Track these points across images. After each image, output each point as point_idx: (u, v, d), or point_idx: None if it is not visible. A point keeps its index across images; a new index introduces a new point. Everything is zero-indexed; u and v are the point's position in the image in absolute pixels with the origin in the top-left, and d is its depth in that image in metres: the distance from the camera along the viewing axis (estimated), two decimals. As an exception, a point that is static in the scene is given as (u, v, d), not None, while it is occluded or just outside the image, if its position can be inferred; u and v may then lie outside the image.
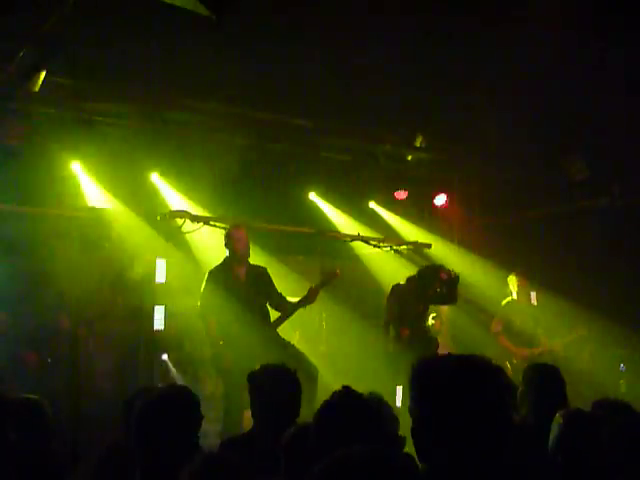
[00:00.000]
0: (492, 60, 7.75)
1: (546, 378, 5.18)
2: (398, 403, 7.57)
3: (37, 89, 6.54)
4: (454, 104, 8.77)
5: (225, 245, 7.58)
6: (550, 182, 9.85)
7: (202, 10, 4.31)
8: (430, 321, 9.75)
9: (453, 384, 2.31)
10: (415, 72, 8.04)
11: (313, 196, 10.21)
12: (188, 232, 8.65)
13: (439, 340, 8.82)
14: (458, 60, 7.86)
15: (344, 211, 10.27)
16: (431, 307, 8.90)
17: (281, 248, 9.63)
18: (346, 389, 3.58)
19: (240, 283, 7.48)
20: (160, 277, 8.97)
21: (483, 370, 2.36)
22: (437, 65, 8.00)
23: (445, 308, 9.98)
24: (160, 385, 3.62)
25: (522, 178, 9.91)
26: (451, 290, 8.24)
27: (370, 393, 4.12)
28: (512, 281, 9.27)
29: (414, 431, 2.36)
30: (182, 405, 3.48)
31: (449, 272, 8.23)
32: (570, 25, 7.19)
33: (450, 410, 2.28)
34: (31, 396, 4.29)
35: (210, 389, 8.42)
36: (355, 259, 10.37)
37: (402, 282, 8.38)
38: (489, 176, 10.07)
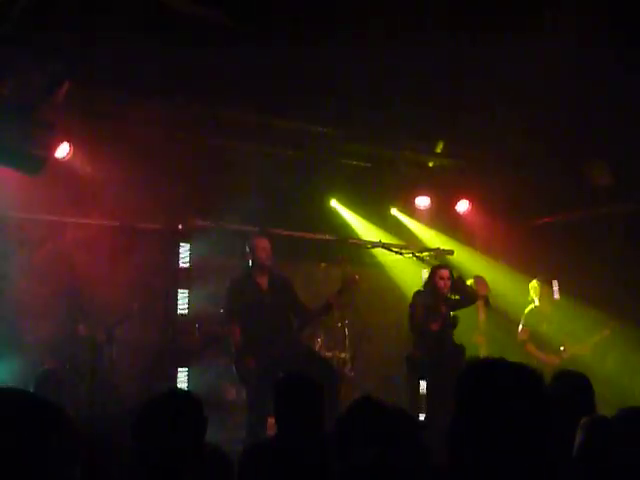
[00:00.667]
0: (513, 64, 7.64)
1: (574, 386, 5.03)
2: (422, 415, 7.69)
3: (61, 100, 6.61)
4: (475, 109, 8.69)
5: (247, 254, 7.62)
6: (573, 187, 9.74)
7: (223, 21, 4.36)
8: (475, 338, 9.77)
9: (497, 393, 2.32)
10: (435, 78, 8.05)
11: (334, 203, 10.22)
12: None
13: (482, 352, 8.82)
14: (478, 64, 7.84)
15: (365, 218, 10.29)
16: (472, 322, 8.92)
17: (302, 255, 9.70)
18: (366, 398, 3.59)
19: (263, 291, 7.53)
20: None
21: (526, 378, 2.39)
22: (457, 70, 8.01)
23: (481, 321, 9.94)
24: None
25: (544, 183, 9.82)
26: (460, 291, 8.32)
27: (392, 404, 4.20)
28: (534, 287, 9.22)
29: (454, 440, 2.36)
30: (180, 406, 3.45)
31: (445, 274, 8.31)
32: (591, 26, 7.13)
33: (491, 419, 2.29)
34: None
35: (233, 396, 8.44)
36: (377, 266, 10.37)
37: (422, 288, 8.46)
38: (511, 181, 9.96)
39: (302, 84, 7.89)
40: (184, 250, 9.16)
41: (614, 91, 7.93)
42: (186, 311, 9.06)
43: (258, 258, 7.53)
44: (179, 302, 9.02)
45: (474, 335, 9.82)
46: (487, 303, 8.65)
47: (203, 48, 6.54)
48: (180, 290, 9.06)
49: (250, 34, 5.66)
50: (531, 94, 8.28)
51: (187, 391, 3.61)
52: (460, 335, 8.44)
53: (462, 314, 8.53)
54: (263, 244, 7.61)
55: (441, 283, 8.28)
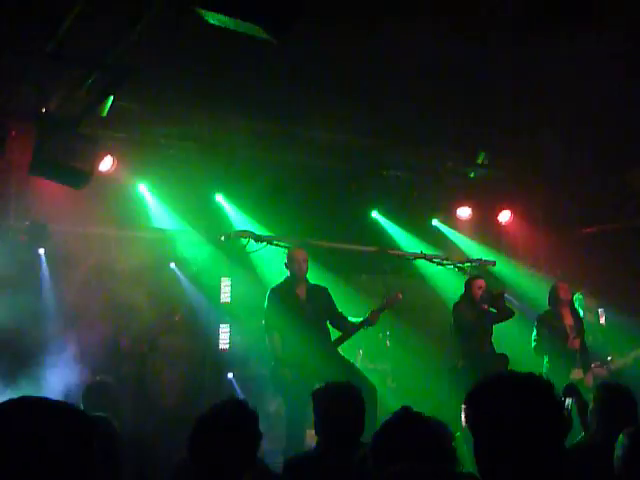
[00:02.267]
0: (552, 76, 7.63)
1: (617, 397, 5.12)
2: (464, 423, 7.58)
3: (105, 114, 6.71)
4: (516, 120, 8.71)
5: (286, 265, 7.67)
6: (616, 197, 9.69)
7: (263, 34, 4.39)
8: None
9: (505, 407, 2.37)
10: (475, 89, 8.05)
11: (376, 214, 10.20)
12: (252, 252, 8.75)
13: None
14: (517, 76, 7.82)
15: (407, 229, 10.25)
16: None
17: (344, 267, 9.67)
18: (405, 409, 3.57)
19: (301, 302, 7.56)
20: (225, 297, 9.13)
21: (533, 391, 2.41)
22: (496, 81, 7.96)
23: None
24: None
25: (586, 193, 9.79)
26: (496, 305, 8.32)
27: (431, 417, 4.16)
28: (579, 299, 9.11)
29: (475, 451, 2.41)
30: (237, 419, 3.44)
31: (482, 284, 8.31)
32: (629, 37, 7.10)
33: (502, 431, 2.34)
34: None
35: (274, 407, 8.46)
36: (419, 277, 10.31)
37: (460, 300, 8.51)
38: (553, 192, 9.93)
39: (345, 96, 7.93)
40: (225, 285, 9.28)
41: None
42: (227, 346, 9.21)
43: (296, 269, 7.57)
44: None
45: None
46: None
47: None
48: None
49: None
50: (573, 103, 8.22)
51: (245, 404, 3.59)
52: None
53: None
54: (301, 255, 7.64)
55: (479, 292, 8.34)
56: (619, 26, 7.01)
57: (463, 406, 7.31)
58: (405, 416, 3.52)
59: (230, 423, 3.43)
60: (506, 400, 2.41)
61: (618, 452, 4.04)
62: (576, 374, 8.30)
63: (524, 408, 2.35)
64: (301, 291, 7.61)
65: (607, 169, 9.39)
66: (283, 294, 7.56)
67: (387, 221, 10.24)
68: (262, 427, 3.59)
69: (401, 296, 7.91)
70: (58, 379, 7.05)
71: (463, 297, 8.56)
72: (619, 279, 9.31)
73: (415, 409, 3.65)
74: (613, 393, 5.19)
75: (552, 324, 8.49)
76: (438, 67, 7.55)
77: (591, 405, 5.05)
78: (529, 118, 8.63)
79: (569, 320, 8.51)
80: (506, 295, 9.00)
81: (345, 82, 7.77)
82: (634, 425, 4.66)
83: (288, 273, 7.70)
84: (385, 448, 3.31)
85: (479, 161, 9.89)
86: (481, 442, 2.40)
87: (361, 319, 7.71)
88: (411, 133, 9.02)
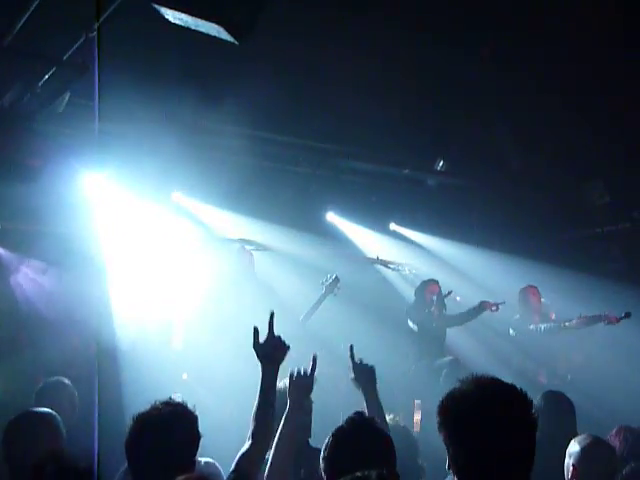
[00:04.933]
0: (512, 87, 7.83)
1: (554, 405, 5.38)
2: (417, 428, 7.61)
3: (61, 110, 6.60)
4: (476, 129, 8.92)
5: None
6: (571, 207, 9.82)
7: (225, 36, 4.36)
8: None
9: (476, 417, 2.47)
10: (436, 97, 8.21)
11: (332, 217, 10.13)
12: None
13: None
14: (479, 85, 7.99)
15: (365, 233, 10.24)
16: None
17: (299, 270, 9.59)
18: (358, 415, 3.58)
19: None
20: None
21: (502, 400, 2.50)
22: (458, 89, 8.14)
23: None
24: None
25: (543, 202, 9.89)
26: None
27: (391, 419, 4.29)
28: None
29: (450, 458, 2.51)
30: (173, 420, 3.38)
31: (432, 290, 8.38)
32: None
33: (475, 438, 2.44)
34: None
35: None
36: (378, 280, 10.33)
37: (414, 303, 8.58)
38: (511, 199, 10.00)
39: (304, 100, 8.03)
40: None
41: (611, 113, 8.11)
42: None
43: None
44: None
45: None
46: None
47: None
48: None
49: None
50: (531, 112, 8.50)
51: (182, 405, 3.49)
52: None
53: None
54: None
55: (429, 297, 8.37)
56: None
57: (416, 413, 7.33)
58: (357, 422, 3.50)
59: (165, 424, 3.36)
60: (480, 409, 2.49)
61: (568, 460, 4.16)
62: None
63: (499, 419, 2.43)
64: None
65: (564, 179, 9.52)
66: None
67: (345, 224, 10.18)
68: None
69: (334, 276, 8.20)
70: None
71: (415, 301, 8.60)
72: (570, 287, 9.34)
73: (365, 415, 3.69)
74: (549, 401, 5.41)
75: (523, 329, 8.70)
76: (400, 73, 7.71)
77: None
78: (489, 127, 8.84)
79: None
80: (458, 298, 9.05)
81: (305, 86, 7.85)
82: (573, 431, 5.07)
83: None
84: (338, 454, 3.30)
85: (437, 168, 9.87)
86: (457, 450, 2.48)
87: None
88: (370, 138, 9.07)
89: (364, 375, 4.76)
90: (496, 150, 9.39)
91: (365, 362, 4.77)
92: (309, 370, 4.31)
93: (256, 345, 4.15)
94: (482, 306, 8.64)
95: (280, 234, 9.45)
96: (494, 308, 8.64)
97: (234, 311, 8.11)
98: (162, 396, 3.47)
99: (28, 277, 8.19)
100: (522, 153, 9.42)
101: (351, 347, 4.80)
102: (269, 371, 4.09)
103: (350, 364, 4.76)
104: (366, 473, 2.40)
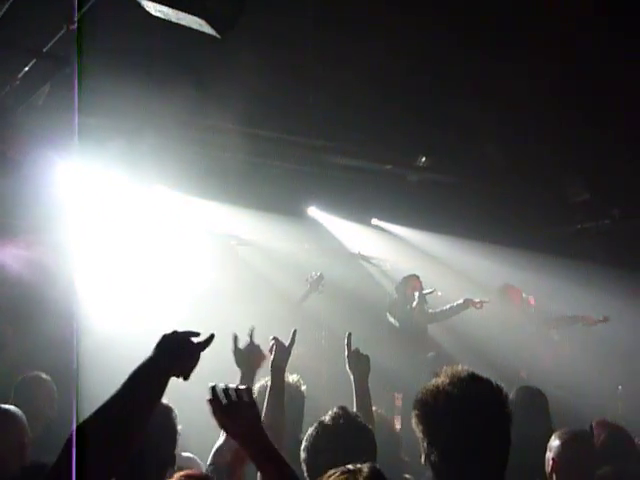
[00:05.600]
0: (496, 79, 7.74)
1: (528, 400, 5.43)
2: (397, 423, 7.70)
3: (41, 103, 6.53)
4: (459, 125, 8.80)
5: None
6: (551, 203, 9.85)
7: (207, 29, 4.34)
8: None
9: (454, 412, 2.48)
10: (419, 93, 8.13)
11: (314, 211, 10.06)
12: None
13: None
14: (462, 81, 7.98)
15: (347, 228, 10.23)
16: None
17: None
18: (342, 409, 3.62)
19: None
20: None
21: (476, 394, 2.52)
22: (442, 88, 8.12)
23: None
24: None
25: (525, 199, 9.91)
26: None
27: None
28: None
29: (425, 453, 2.54)
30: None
31: (414, 286, 8.39)
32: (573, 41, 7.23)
33: (449, 433, 2.45)
34: None
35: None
36: (359, 276, 10.33)
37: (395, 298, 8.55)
38: (491, 196, 10.00)
39: (285, 93, 7.98)
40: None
41: (592, 106, 8.05)
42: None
43: None
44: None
45: None
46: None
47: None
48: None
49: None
50: (512, 109, 8.37)
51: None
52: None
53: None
54: None
55: (410, 292, 8.38)
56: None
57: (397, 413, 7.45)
58: (341, 416, 3.55)
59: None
60: (453, 404, 2.50)
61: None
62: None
63: (474, 416, 2.44)
64: None
65: (543, 174, 9.53)
66: None
67: (327, 219, 10.14)
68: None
69: (318, 274, 8.09)
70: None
71: (396, 297, 8.60)
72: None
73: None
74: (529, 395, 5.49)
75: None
76: (383, 68, 7.63)
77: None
78: (471, 123, 8.68)
79: None
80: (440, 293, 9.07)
81: (285, 81, 7.81)
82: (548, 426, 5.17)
83: None
84: (319, 446, 3.35)
85: (419, 164, 9.85)
86: (432, 444, 2.49)
87: None
88: (353, 134, 9.02)
89: (360, 364, 4.82)
90: (479, 147, 9.32)
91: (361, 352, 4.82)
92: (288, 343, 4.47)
93: (235, 351, 4.35)
94: (466, 303, 8.71)
95: (262, 228, 9.43)
96: (478, 305, 8.66)
97: (216, 306, 8.14)
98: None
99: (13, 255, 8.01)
100: (505, 149, 9.35)
101: (349, 335, 4.84)
102: (245, 376, 4.29)
103: (346, 352, 4.81)
104: (358, 466, 2.41)
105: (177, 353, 2.61)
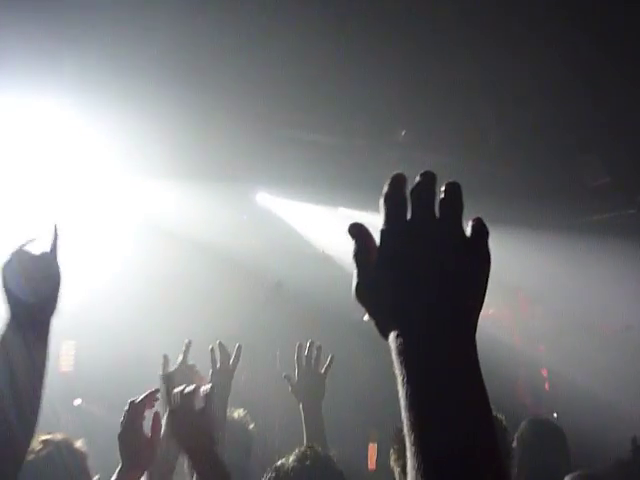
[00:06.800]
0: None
1: (545, 438, 5.01)
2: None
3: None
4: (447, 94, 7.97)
5: None
6: (561, 189, 8.92)
7: None
8: None
9: None
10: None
11: (265, 199, 8.99)
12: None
13: None
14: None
15: (306, 219, 9.31)
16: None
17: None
18: (311, 449, 3.34)
19: None
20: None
21: None
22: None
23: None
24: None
25: (526, 183, 9.03)
26: None
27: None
28: None
29: None
30: None
31: None
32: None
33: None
34: None
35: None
36: (324, 278, 9.24)
37: None
38: (485, 179, 8.98)
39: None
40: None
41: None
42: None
43: None
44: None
45: None
46: None
47: None
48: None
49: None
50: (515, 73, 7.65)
51: (64, 443, 3.63)
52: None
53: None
54: None
55: None
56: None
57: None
58: (308, 458, 3.25)
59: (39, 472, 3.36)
60: None
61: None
62: None
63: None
64: None
65: (557, 156, 8.67)
66: None
67: (281, 208, 9.10)
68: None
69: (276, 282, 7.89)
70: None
71: None
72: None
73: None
74: (539, 433, 5.08)
75: None
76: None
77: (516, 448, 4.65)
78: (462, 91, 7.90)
79: None
80: None
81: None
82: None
83: None
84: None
85: (399, 140, 8.77)
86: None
87: None
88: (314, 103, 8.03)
89: (310, 384, 4.45)
90: (472, 120, 8.40)
91: (314, 367, 4.47)
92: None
93: (164, 376, 3.92)
94: None
95: (199, 219, 8.40)
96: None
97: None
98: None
99: None
100: (501, 124, 8.44)
101: (299, 347, 4.53)
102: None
103: (296, 368, 4.48)
104: None
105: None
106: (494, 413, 2.22)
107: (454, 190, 1.40)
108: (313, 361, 4.47)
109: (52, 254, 2.49)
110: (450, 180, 1.37)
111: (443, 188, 1.39)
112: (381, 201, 1.42)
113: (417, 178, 1.41)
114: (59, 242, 2.58)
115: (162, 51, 6.99)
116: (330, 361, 4.51)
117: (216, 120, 7.89)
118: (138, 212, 8.23)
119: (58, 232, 2.54)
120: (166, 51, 7.00)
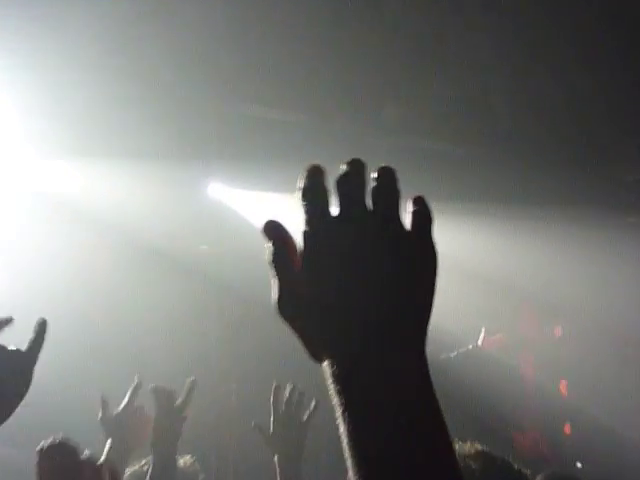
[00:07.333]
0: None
1: None
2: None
3: None
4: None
5: None
6: (587, 184, 8.09)
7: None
8: None
9: None
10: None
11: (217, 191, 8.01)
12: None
13: None
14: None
15: (271, 214, 7.65)
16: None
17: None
18: None
19: None
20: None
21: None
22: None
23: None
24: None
25: (543, 177, 8.04)
26: None
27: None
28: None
29: None
30: None
31: None
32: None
33: None
34: None
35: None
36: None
37: None
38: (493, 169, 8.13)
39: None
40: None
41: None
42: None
43: None
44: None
45: None
46: None
47: None
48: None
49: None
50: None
51: None
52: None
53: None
54: None
55: None
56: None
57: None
58: None
59: None
60: None
61: None
62: None
63: None
64: None
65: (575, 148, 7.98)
66: None
67: (239, 202, 8.11)
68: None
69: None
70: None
71: None
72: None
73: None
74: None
75: None
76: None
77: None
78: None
79: None
80: None
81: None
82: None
83: None
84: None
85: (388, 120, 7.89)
86: None
87: None
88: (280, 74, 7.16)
89: (289, 435, 3.97)
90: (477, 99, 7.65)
91: (297, 410, 4.03)
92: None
93: (104, 418, 3.84)
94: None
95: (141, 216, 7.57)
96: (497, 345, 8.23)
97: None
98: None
99: None
100: (513, 107, 7.73)
101: (276, 389, 3.99)
102: (115, 454, 3.72)
103: (271, 415, 4.00)
104: None
105: None
106: (517, 467, 2.43)
107: (388, 175, 1.24)
108: (294, 407, 4.01)
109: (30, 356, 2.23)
110: (384, 165, 1.17)
111: (375, 175, 1.24)
112: (298, 197, 1.22)
113: (342, 167, 1.25)
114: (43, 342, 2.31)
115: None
116: (315, 407, 4.00)
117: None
118: (49, 194, 7.43)
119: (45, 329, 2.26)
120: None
